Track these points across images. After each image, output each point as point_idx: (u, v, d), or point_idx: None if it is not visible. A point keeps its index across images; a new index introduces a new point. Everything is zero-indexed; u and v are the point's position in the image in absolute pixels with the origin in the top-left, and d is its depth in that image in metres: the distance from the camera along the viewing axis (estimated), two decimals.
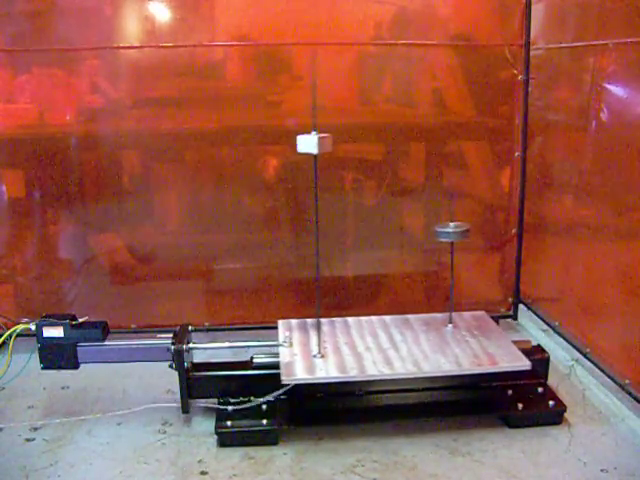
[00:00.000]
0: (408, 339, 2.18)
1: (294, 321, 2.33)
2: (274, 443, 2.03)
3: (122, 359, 2.13)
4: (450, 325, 2.27)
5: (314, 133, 1.86)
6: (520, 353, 2.07)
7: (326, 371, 1.97)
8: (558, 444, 2.02)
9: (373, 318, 2.36)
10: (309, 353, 2.08)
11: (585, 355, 2.43)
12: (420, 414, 2.15)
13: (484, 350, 2.09)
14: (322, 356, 2.06)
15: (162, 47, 2.48)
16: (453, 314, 2.29)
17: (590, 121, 2.41)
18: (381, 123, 2.69)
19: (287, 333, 2.21)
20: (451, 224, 2.15)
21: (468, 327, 2.26)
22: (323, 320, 2.28)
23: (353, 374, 1.97)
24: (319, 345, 2.09)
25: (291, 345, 2.13)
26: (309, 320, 2.31)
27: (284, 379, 1.94)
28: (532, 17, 2.54)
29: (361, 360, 2.03)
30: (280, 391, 2.01)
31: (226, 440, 2.03)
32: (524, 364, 2.02)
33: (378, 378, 1.99)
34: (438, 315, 2.35)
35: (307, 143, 1.87)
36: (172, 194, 2.72)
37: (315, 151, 1.87)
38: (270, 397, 2.05)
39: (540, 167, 2.78)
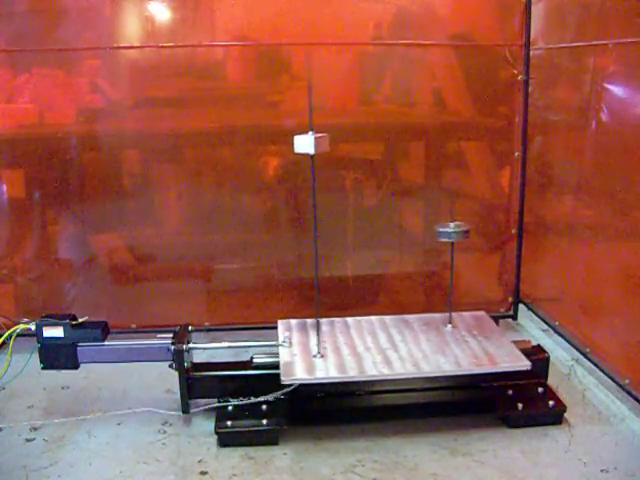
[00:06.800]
0: (408, 339, 2.18)
1: (294, 321, 2.33)
2: (274, 443, 2.03)
3: (122, 359, 2.13)
4: (450, 325, 2.27)
5: (311, 133, 1.85)
6: (520, 353, 2.06)
7: (326, 371, 1.97)
8: (558, 444, 2.02)
9: (373, 318, 2.35)
10: (309, 353, 2.08)
11: (585, 355, 2.43)
12: (420, 414, 2.15)
13: (484, 350, 2.08)
14: (322, 356, 2.06)
15: (162, 47, 2.48)
16: (453, 314, 2.29)
17: (590, 121, 2.40)
18: (381, 123, 2.69)
19: (287, 333, 2.21)
20: (451, 224, 2.14)
21: (468, 327, 2.26)
22: (323, 320, 2.28)
23: (353, 374, 1.96)
24: (319, 345, 2.09)
25: (291, 345, 2.13)
26: (309, 320, 2.31)
27: (284, 379, 1.94)
28: (532, 17, 2.54)
29: (361, 360, 2.03)
30: (280, 391, 2.01)
31: (226, 440, 2.03)
32: (524, 364, 2.02)
33: (378, 378, 1.99)
34: (438, 315, 2.35)
35: (304, 143, 1.85)
36: (172, 194, 2.72)
37: (312, 151, 1.85)
38: (270, 397, 2.05)
39: (540, 167, 2.78)
